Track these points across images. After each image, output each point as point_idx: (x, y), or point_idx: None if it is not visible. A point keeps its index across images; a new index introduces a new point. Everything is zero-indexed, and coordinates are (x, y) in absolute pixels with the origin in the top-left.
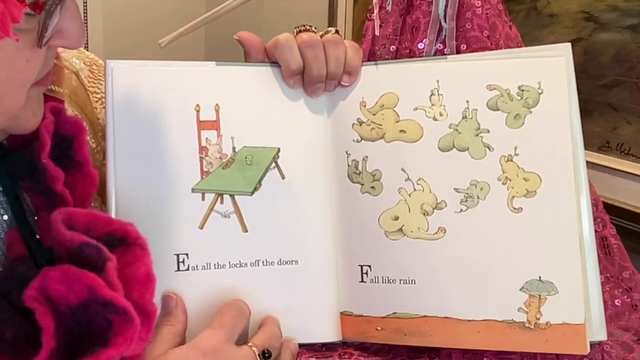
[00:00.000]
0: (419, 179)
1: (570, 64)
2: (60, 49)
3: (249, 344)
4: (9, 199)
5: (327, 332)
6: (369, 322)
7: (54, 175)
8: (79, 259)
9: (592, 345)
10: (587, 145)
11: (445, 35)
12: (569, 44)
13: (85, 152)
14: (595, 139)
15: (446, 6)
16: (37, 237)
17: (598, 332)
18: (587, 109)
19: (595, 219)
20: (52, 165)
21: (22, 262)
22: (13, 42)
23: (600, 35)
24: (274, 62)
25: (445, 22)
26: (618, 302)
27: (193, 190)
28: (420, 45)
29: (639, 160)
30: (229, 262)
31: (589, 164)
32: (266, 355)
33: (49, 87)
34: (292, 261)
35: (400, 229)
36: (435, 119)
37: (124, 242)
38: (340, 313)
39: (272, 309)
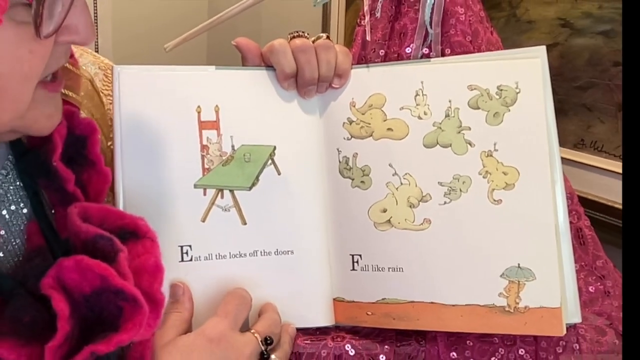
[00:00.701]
0: (406, 174)
1: (545, 65)
2: (77, 55)
3: (252, 331)
4: (29, 194)
5: (321, 317)
6: (360, 307)
7: (65, 177)
8: (93, 250)
9: (568, 327)
10: (563, 143)
11: (431, 41)
12: (544, 47)
13: (98, 151)
14: (571, 136)
15: (432, 13)
16: (54, 229)
17: (573, 315)
18: (563, 109)
19: (570, 212)
20: (63, 167)
21: (39, 253)
22: (13, 34)
23: (575, 41)
24: (269, 66)
25: (431, 28)
26: (592, 288)
27: (195, 186)
28: (408, 50)
29: (611, 156)
30: (230, 253)
31: (565, 160)
32: (268, 341)
33: (65, 92)
34: (288, 251)
35: (389, 221)
36: (420, 117)
37: (135, 235)
38: (333, 299)
39: (270, 296)
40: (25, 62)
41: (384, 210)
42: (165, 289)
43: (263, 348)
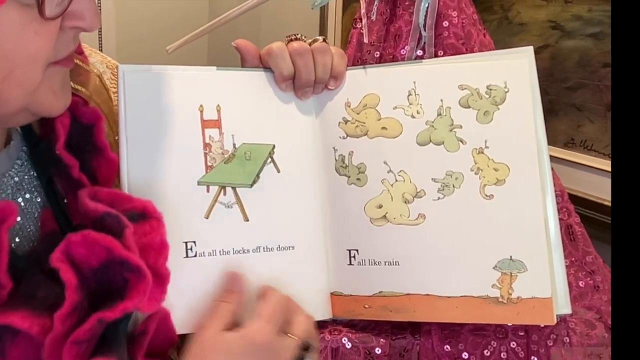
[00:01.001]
0: (400, 171)
1: (532, 65)
2: (87, 53)
3: (292, 336)
4: (42, 183)
5: (319, 311)
6: (357, 301)
7: (69, 164)
8: (101, 228)
9: (558, 320)
10: (554, 142)
11: (424, 43)
12: (531, 47)
13: (103, 138)
14: (561, 136)
15: (426, 16)
16: (67, 216)
17: (563, 306)
18: (553, 109)
19: (561, 209)
20: (67, 155)
21: (53, 236)
22: (17, 15)
23: (566, 43)
24: (268, 68)
25: (424, 30)
26: (582, 283)
27: (199, 183)
28: (402, 52)
29: (601, 155)
30: (233, 249)
31: (556, 159)
32: (305, 346)
33: (75, 87)
34: (289, 247)
35: (384, 216)
36: (413, 116)
37: (143, 216)
38: (330, 293)
39: None
40: (30, 43)
41: (380, 206)
42: (172, 284)
43: (301, 353)
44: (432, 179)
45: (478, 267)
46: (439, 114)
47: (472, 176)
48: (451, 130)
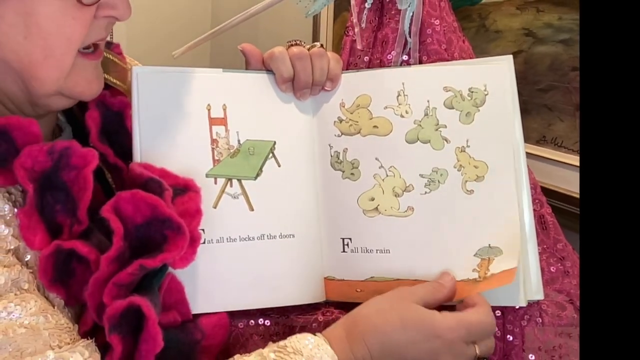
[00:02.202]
0: (391, 167)
1: (511, 70)
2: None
3: (477, 352)
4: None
5: (314, 294)
6: (350, 285)
7: (104, 152)
8: (144, 190)
9: (532, 303)
10: (527, 139)
11: (410, 48)
12: (510, 56)
13: (129, 123)
14: (534, 133)
15: (411, 24)
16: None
17: (536, 292)
18: (526, 109)
19: (534, 200)
20: (100, 145)
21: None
22: (58, 1)
23: (538, 48)
24: (270, 70)
25: (410, 37)
26: (553, 269)
27: (207, 176)
28: (389, 57)
29: (570, 151)
30: (239, 236)
31: (529, 155)
32: None
33: (113, 81)
34: (290, 235)
35: (376, 208)
36: (402, 116)
37: (185, 190)
38: (324, 278)
39: (272, 275)
40: (68, 26)
41: (372, 199)
42: (183, 269)
43: None
44: (419, 174)
45: (460, 255)
46: (426, 114)
47: (455, 173)
48: (436, 130)
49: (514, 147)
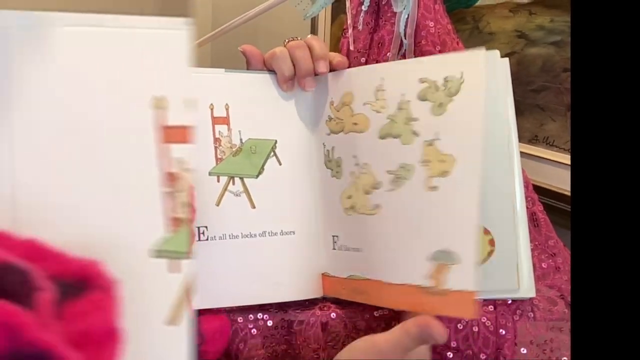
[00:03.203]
0: (365, 164)
1: (488, 61)
2: None
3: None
4: None
5: (312, 289)
6: (338, 282)
7: None
8: None
9: (524, 300)
10: (520, 138)
11: (405, 50)
12: (497, 51)
13: None
14: (526, 133)
15: (406, 26)
16: None
17: (529, 290)
18: (519, 109)
19: (526, 198)
20: None
21: None
22: None
23: (530, 50)
24: (271, 70)
25: (405, 39)
26: (544, 265)
27: (210, 174)
28: (385, 58)
29: (561, 150)
30: (241, 234)
31: (522, 154)
32: None
33: None
34: (290, 232)
35: (352, 206)
36: (378, 111)
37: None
38: (322, 274)
39: (273, 271)
40: None
41: (349, 197)
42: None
43: None
44: (387, 171)
45: (416, 257)
46: (399, 108)
47: (420, 168)
48: (407, 124)
49: (509, 145)
